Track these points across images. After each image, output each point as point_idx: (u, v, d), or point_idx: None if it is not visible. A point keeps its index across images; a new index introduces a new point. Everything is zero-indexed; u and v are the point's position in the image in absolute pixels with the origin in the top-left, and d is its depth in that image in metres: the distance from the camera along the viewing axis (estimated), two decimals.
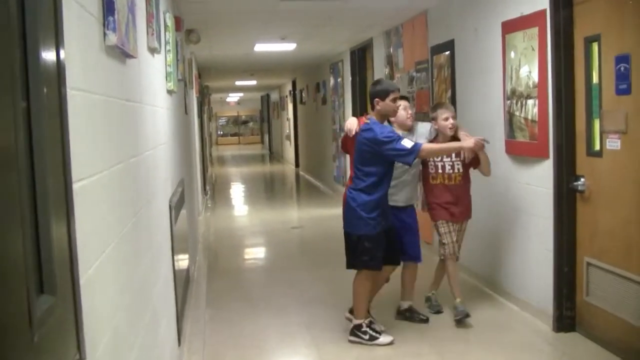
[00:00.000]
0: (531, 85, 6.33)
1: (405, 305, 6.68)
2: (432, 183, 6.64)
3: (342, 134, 6.64)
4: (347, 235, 6.11)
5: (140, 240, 3.54)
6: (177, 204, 6.25)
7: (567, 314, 6.10)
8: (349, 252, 6.12)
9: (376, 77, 12.11)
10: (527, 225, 6.57)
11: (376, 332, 6.08)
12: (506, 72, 6.82)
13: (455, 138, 6.42)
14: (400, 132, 6.17)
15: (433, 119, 6.55)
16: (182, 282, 6.60)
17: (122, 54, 3.04)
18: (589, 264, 5.83)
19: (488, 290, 7.41)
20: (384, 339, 6.06)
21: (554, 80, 5.94)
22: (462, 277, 7.86)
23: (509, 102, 6.78)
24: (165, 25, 5.64)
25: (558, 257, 6.10)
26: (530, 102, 6.36)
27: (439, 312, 6.81)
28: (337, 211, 13.86)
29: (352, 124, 6.28)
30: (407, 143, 5.72)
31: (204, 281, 8.55)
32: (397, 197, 6.44)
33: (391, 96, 5.95)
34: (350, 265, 6.17)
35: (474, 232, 7.63)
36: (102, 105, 2.62)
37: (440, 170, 6.55)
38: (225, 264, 9.69)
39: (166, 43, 5.67)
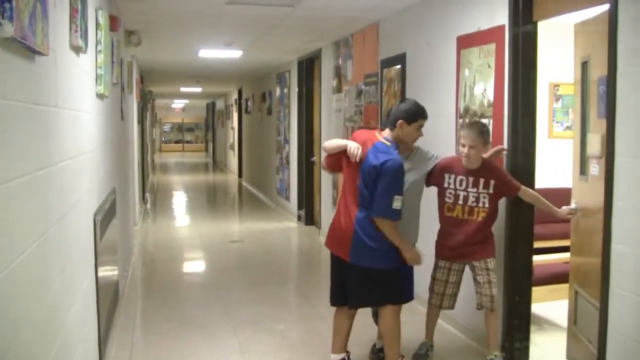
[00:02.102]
0: (486, 104, 6.02)
1: (381, 344, 5.78)
2: (445, 215, 5.64)
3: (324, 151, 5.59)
4: (363, 271, 5.16)
5: (48, 263, 3.11)
6: (106, 215, 5.85)
7: (518, 346, 5.78)
8: (370, 286, 5.22)
9: (324, 89, 11.77)
10: None
11: None
12: (460, 89, 6.51)
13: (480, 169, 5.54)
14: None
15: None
16: (109, 301, 6.16)
17: (27, 49, 2.60)
18: (577, 292, 5.45)
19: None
20: None
21: (511, 99, 5.62)
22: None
23: (461, 120, 6.46)
24: (97, 24, 5.20)
25: (508, 285, 5.79)
26: (484, 121, 6.03)
27: None
28: (278, 225, 13.85)
29: (358, 147, 5.15)
30: (397, 202, 4.93)
31: (137, 297, 8.11)
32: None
33: (419, 122, 5.18)
34: (369, 302, 5.48)
35: None
36: None
37: (460, 201, 5.52)
38: (160, 279, 9.25)
39: (97, 43, 5.22)
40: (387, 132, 5.18)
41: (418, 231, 5.55)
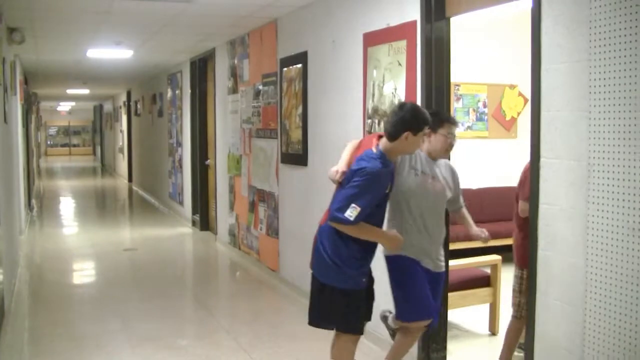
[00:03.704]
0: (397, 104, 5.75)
1: None
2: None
3: None
4: (323, 287, 4.73)
5: None
6: None
7: (435, 356, 5.56)
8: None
9: (218, 90, 11.41)
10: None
11: None
12: (367, 88, 6.24)
13: None
14: (422, 159, 4.86)
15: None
16: None
17: None
18: None
19: None
20: None
21: (424, 98, 5.38)
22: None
23: (369, 121, 6.21)
24: None
25: None
26: None
27: None
28: (173, 231, 13.43)
29: (337, 172, 4.68)
30: (352, 211, 4.36)
31: (24, 313, 7.56)
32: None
33: (425, 130, 4.56)
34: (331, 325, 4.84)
35: None
36: None
37: None
38: (50, 292, 8.68)
39: None
40: (383, 142, 4.60)
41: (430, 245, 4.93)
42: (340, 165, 4.70)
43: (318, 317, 4.84)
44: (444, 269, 5.05)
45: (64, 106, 40.49)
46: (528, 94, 6.34)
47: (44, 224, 15.03)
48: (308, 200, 7.67)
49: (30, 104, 18.58)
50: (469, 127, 9.83)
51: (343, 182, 4.57)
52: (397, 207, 4.79)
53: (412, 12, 5.51)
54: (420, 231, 4.81)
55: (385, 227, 4.81)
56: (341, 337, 4.77)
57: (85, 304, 8.23)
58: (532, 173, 4.25)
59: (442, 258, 5.01)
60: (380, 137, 4.66)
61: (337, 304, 4.67)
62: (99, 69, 15.38)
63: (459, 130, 9.50)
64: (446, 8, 5.31)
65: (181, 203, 14.63)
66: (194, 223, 13.48)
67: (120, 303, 8.02)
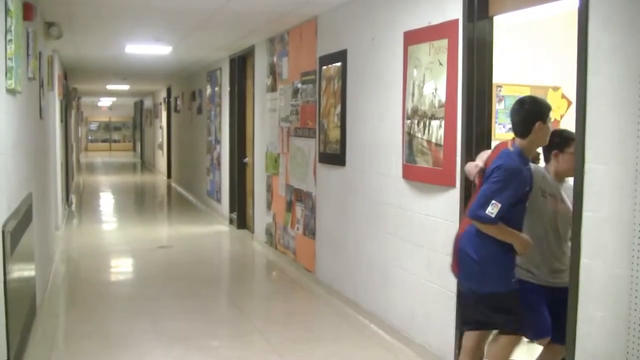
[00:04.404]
0: (437, 105, 5.59)
1: None
2: None
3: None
4: (474, 294, 4.68)
5: None
6: (20, 224, 5.32)
7: None
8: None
9: (257, 87, 11.31)
10: (424, 262, 5.81)
11: None
12: (407, 88, 6.07)
13: None
14: (549, 181, 4.82)
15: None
16: (23, 315, 5.59)
17: None
18: None
19: (379, 330, 6.62)
20: None
21: (465, 99, 5.21)
22: (349, 313, 7.12)
23: (409, 121, 6.04)
24: (7, 10, 4.61)
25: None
26: (434, 123, 5.62)
27: None
28: (209, 229, 13.37)
29: (476, 165, 4.75)
30: (493, 208, 4.32)
31: (57, 310, 7.53)
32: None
33: (551, 117, 4.54)
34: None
35: (363, 264, 6.94)
36: None
37: None
38: (83, 289, 8.65)
39: (6, 31, 4.63)
40: (517, 142, 4.60)
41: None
42: (479, 161, 4.72)
43: (474, 323, 4.77)
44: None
45: (105, 102, 40.70)
46: (572, 96, 6.15)
47: (82, 219, 15.06)
48: (345, 200, 7.53)
49: (69, 99, 18.62)
50: (511, 129, 9.62)
51: (482, 181, 4.55)
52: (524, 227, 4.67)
53: (454, 11, 5.34)
54: (548, 250, 4.76)
55: None
56: (506, 340, 4.63)
57: (118, 301, 8.15)
58: (576, 179, 4.06)
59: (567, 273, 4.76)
60: (512, 140, 4.65)
61: (492, 308, 4.58)
62: (138, 65, 15.35)
63: (501, 132, 9.40)
64: (489, 7, 5.13)
65: (219, 201, 14.57)
66: (231, 221, 13.39)
67: (153, 301, 7.94)
